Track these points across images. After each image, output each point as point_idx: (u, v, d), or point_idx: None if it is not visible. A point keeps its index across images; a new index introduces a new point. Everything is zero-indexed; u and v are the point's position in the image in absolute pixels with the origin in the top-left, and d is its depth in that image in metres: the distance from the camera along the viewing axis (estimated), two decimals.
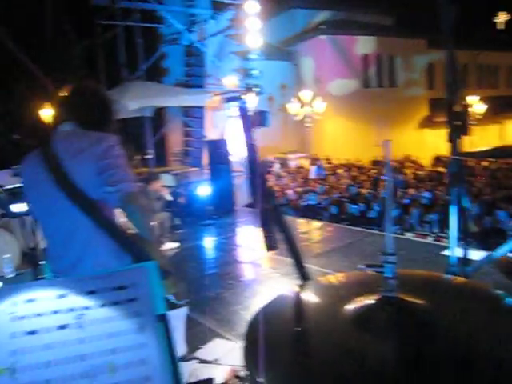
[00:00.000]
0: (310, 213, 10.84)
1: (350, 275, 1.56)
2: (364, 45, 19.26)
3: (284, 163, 15.49)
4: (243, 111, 1.39)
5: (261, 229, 1.29)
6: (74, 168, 1.87)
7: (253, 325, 1.14)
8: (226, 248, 6.91)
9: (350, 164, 16.10)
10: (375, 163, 16.26)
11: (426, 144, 20.49)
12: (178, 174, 9.81)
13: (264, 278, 5.49)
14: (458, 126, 2.23)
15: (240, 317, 4.21)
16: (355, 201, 10.76)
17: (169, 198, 7.35)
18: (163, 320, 1.11)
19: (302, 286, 1.31)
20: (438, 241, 7.60)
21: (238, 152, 10.40)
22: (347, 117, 18.45)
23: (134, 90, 7.93)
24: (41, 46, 17.58)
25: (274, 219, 1.26)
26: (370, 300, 1.31)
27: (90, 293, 1.15)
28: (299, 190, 12.12)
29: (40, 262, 5.16)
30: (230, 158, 9.41)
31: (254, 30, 11.33)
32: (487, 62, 24.25)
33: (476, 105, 17.84)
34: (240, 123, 1.37)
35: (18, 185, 4.82)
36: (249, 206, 10.91)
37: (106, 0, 11.13)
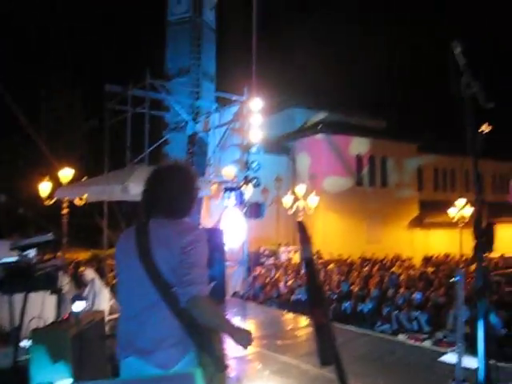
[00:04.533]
0: (300, 308, 10.54)
1: None
2: (358, 145, 20.14)
3: (275, 255, 15.45)
4: (302, 226, 1.48)
5: (316, 340, 1.31)
6: (160, 252, 1.98)
7: None
8: None
9: (341, 260, 16.09)
10: (365, 260, 16.31)
11: (416, 244, 20.74)
12: None
13: (254, 376, 5.26)
14: (484, 242, 2.36)
15: None
16: (347, 298, 10.60)
17: None
18: None
19: None
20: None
21: (232, 242, 10.40)
22: (339, 213, 18.76)
23: (138, 173, 8.09)
24: (47, 122, 18.21)
25: (331, 332, 1.29)
26: None
27: None
28: (290, 283, 11.94)
29: (21, 343, 4.92)
30: (224, 247, 9.34)
31: (256, 125, 11.88)
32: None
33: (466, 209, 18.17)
34: (298, 236, 1.45)
35: (13, 259, 4.69)
36: (235, 294, 10.76)
37: (119, 87, 11.71)
